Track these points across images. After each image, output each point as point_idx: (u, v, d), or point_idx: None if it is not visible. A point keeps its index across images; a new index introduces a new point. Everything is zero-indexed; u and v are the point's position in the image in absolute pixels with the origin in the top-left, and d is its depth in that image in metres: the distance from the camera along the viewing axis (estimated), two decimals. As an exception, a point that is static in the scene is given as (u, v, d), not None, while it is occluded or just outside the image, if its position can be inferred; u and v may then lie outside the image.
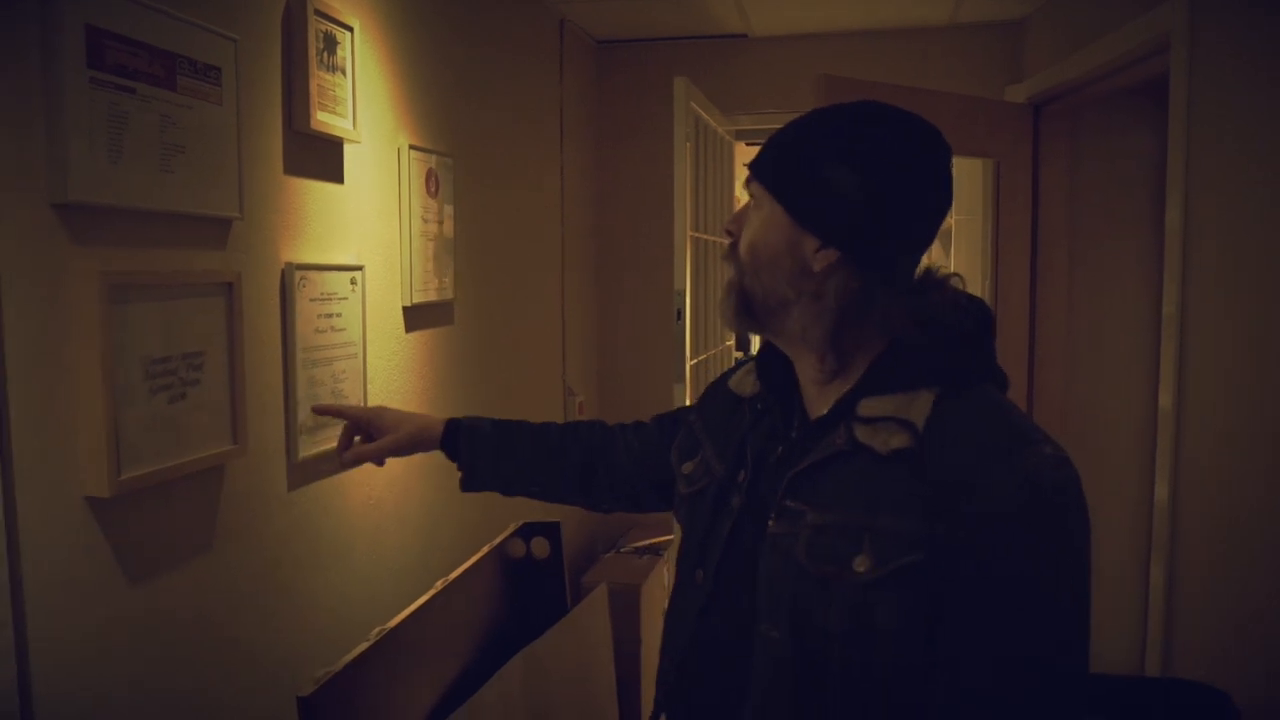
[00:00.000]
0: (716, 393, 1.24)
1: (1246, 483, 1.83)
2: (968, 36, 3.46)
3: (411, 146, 2.22)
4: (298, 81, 1.76)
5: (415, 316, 2.30)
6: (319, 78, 1.80)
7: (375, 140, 2.09)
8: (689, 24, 3.48)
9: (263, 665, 1.72)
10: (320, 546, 1.91)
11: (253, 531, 1.69)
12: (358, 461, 1.43)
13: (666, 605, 1.21)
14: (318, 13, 1.79)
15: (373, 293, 2.07)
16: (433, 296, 2.36)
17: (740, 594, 1.04)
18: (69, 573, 1.30)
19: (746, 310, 1.06)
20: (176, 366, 1.46)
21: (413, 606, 1.69)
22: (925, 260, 1.06)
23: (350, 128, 1.92)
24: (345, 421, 1.45)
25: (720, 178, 3.40)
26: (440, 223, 2.39)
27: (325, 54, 1.83)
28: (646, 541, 3.53)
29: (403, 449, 1.42)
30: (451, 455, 1.43)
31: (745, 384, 1.17)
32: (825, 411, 1.03)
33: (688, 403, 2.60)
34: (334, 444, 1.89)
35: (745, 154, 4.86)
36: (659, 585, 3.31)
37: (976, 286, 3.12)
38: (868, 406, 0.98)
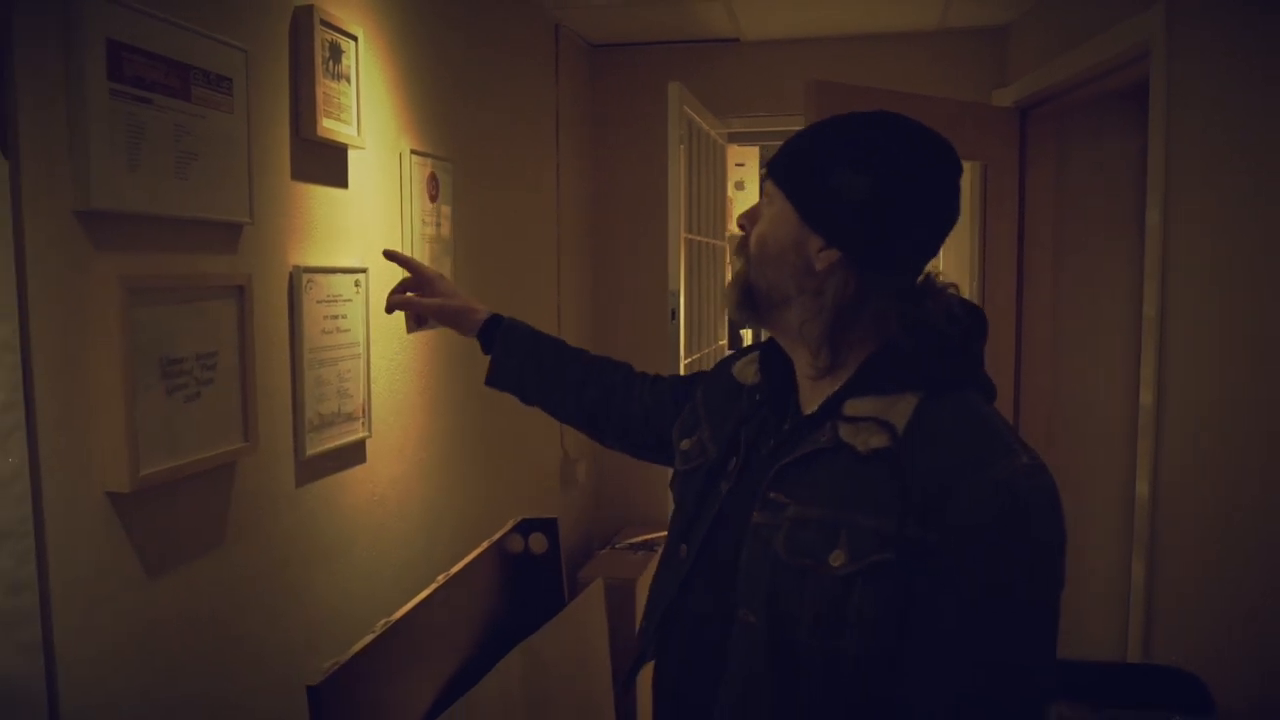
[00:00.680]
0: (721, 375, 1.29)
1: (1228, 480, 1.88)
2: (956, 41, 3.52)
3: (413, 151, 2.27)
4: (304, 90, 1.81)
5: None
6: (325, 86, 1.86)
7: (378, 146, 2.14)
8: (681, 28, 3.53)
9: (269, 656, 1.77)
10: (325, 542, 1.96)
11: (262, 527, 1.75)
12: (404, 307, 1.53)
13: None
14: (323, 22, 1.84)
15: (376, 294, 2.12)
16: (433, 297, 2.41)
17: (719, 574, 1.09)
18: (92, 567, 1.36)
19: (749, 302, 1.10)
20: (191, 367, 1.51)
21: (415, 600, 1.74)
22: (928, 266, 1.09)
23: (355, 134, 1.97)
24: (408, 272, 1.55)
25: (713, 180, 3.46)
26: (438, 225, 2.44)
27: (331, 63, 1.88)
28: (641, 538, 3.58)
29: (447, 318, 1.53)
30: (485, 347, 1.52)
31: (747, 373, 1.21)
32: (816, 408, 1.07)
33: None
34: (337, 443, 1.96)
35: (736, 155, 4.93)
36: (653, 580, 3.36)
37: (964, 288, 3.16)
38: (853, 406, 1.02)
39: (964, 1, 3.15)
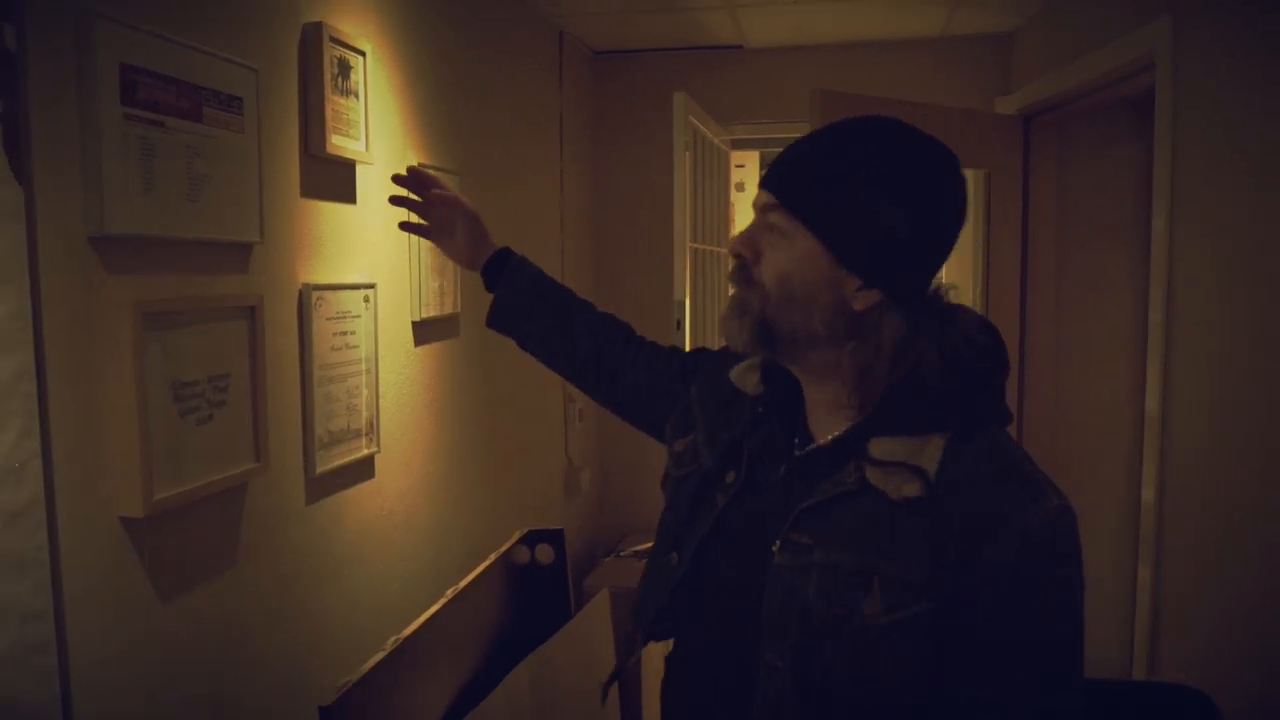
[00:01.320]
0: (718, 374, 1.20)
1: (1233, 485, 1.89)
2: (959, 48, 3.52)
3: (420, 165, 2.27)
4: (313, 107, 1.81)
5: (424, 331, 2.35)
6: (334, 102, 1.85)
7: (386, 160, 2.13)
8: (685, 35, 3.52)
9: (281, 675, 1.77)
10: (335, 557, 1.96)
11: (273, 546, 1.75)
12: (410, 205, 1.50)
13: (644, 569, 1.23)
14: (332, 39, 1.84)
15: (384, 309, 2.12)
16: (440, 310, 2.41)
17: (724, 599, 1.07)
18: (106, 593, 1.35)
19: (767, 341, 1.02)
20: (204, 389, 1.51)
21: (424, 616, 1.75)
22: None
23: (363, 149, 1.97)
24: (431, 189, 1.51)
25: (717, 187, 3.46)
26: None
27: (339, 79, 1.87)
28: (645, 545, 3.58)
29: (460, 238, 1.48)
30: (489, 284, 1.47)
31: (748, 380, 1.14)
32: (830, 437, 1.03)
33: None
34: (347, 459, 1.96)
35: (736, 158, 4.92)
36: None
37: (968, 294, 3.19)
38: (879, 447, 0.97)
39: (967, 9, 3.15)
